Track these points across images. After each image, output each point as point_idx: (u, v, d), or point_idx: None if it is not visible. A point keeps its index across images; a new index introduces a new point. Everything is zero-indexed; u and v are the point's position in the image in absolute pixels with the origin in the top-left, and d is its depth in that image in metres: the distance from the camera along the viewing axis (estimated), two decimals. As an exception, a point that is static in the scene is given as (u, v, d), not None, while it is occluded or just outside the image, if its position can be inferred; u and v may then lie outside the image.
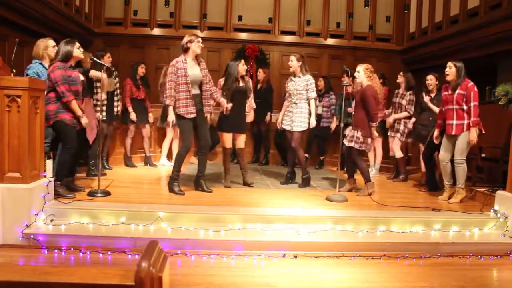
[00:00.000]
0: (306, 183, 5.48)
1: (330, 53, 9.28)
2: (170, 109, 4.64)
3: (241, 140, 5.35)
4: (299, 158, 5.43)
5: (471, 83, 4.63)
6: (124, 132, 6.63)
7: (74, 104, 4.19)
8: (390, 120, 6.19)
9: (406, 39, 9.20)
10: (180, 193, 4.72)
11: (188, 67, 4.63)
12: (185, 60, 4.65)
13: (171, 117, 4.65)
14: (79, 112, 4.24)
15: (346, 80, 5.01)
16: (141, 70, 6.44)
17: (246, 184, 5.39)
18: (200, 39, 4.72)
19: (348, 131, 5.07)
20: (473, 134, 4.57)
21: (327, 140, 7.20)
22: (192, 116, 4.67)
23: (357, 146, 4.96)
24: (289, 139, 5.45)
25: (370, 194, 4.94)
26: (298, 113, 5.28)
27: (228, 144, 5.32)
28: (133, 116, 6.29)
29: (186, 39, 4.70)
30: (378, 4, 9.29)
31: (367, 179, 5.06)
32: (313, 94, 5.30)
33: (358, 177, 5.30)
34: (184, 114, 4.64)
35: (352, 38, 9.27)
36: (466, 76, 4.69)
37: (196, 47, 4.67)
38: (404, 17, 9.22)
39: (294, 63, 5.30)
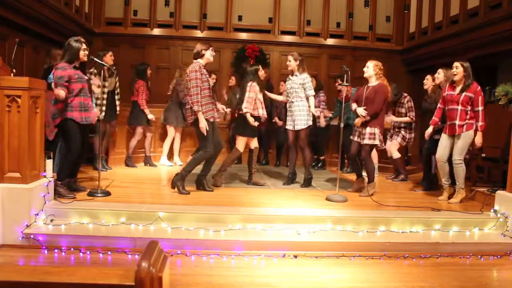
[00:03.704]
0: (308, 183, 5.50)
1: (330, 53, 9.28)
2: (201, 115, 4.63)
3: (255, 141, 5.51)
4: (306, 157, 5.45)
5: (479, 87, 4.63)
6: (127, 133, 6.66)
7: (57, 91, 4.07)
8: (387, 120, 6.11)
9: (406, 39, 9.20)
10: (185, 192, 4.73)
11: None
12: (203, 66, 4.73)
13: (204, 123, 4.64)
14: (60, 95, 4.07)
15: (342, 83, 5.02)
16: (149, 72, 6.53)
17: (256, 184, 5.46)
18: (212, 48, 4.80)
19: (362, 129, 5.00)
20: (480, 138, 4.61)
21: (325, 139, 7.20)
22: (213, 120, 4.80)
23: (379, 144, 4.97)
24: (290, 139, 5.45)
25: (371, 195, 4.94)
26: (297, 111, 5.29)
27: (243, 149, 5.42)
28: (151, 117, 6.42)
29: (200, 46, 4.76)
30: (378, 4, 9.29)
31: (371, 180, 5.07)
32: (312, 92, 5.31)
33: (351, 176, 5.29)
34: (209, 118, 4.73)
35: (352, 38, 9.27)
36: (473, 77, 4.66)
37: (210, 55, 4.77)
38: (404, 17, 9.23)
39: (292, 62, 5.33)
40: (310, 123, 5.34)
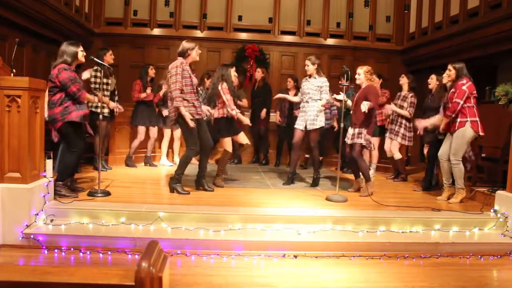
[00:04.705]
0: (316, 183, 5.57)
1: (330, 53, 9.27)
2: (183, 110, 4.57)
3: (244, 136, 5.46)
4: (315, 158, 5.51)
5: (462, 81, 4.62)
6: (130, 133, 6.66)
7: (88, 97, 4.36)
8: (387, 109, 6.09)
9: (406, 39, 9.20)
10: (185, 193, 4.73)
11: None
12: (186, 63, 4.69)
13: (189, 118, 4.58)
14: (92, 100, 4.61)
15: (344, 81, 5.05)
16: (151, 72, 6.50)
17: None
18: (198, 47, 4.76)
19: (351, 130, 5.10)
20: (438, 121, 4.71)
21: (326, 140, 7.20)
22: (199, 117, 4.74)
23: (364, 143, 5.01)
24: (296, 139, 5.43)
25: (371, 194, 4.95)
26: (311, 112, 5.31)
27: (230, 148, 5.37)
28: (148, 92, 6.40)
29: (187, 45, 4.71)
30: (378, 4, 9.29)
31: (367, 179, 5.08)
32: (326, 96, 5.34)
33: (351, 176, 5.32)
34: (194, 114, 4.66)
35: (352, 38, 9.27)
36: (467, 75, 4.67)
37: (196, 54, 4.74)
38: (404, 17, 9.22)
39: (310, 67, 5.36)
40: (323, 124, 5.36)
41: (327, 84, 5.36)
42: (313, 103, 5.31)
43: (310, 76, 5.39)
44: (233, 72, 5.36)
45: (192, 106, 4.67)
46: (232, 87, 5.28)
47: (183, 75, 4.61)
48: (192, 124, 4.60)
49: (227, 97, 5.15)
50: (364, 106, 4.77)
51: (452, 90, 4.68)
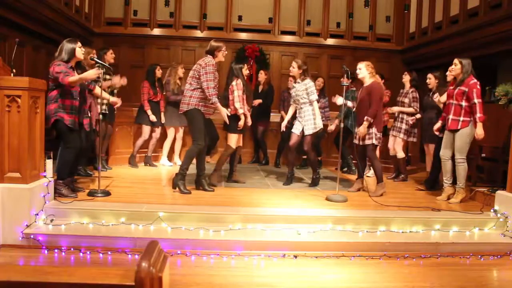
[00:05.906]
0: (316, 183, 5.58)
1: (330, 53, 9.27)
2: (220, 106, 4.83)
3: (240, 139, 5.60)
4: (311, 160, 5.55)
5: (474, 80, 4.60)
6: (128, 133, 6.66)
7: (72, 80, 4.01)
8: (394, 109, 6.08)
9: (406, 39, 9.20)
10: (186, 192, 4.74)
11: None
12: (215, 63, 4.85)
13: (225, 112, 4.93)
14: (76, 81, 4.08)
15: (345, 80, 5.05)
16: (158, 72, 6.50)
17: (236, 181, 5.61)
18: (225, 48, 4.95)
19: (357, 130, 5.09)
20: (480, 129, 4.55)
21: (322, 139, 7.18)
22: (209, 116, 4.97)
23: (376, 142, 5.02)
24: (292, 142, 5.42)
25: (381, 195, 4.94)
26: (307, 117, 5.31)
27: (235, 145, 5.43)
28: (152, 118, 6.38)
29: (215, 44, 4.86)
30: (378, 4, 9.29)
31: (380, 179, 5.07)
32: (314, 97, 5.31)
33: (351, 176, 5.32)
34: (205, 113, 4.84)
35: (352, 38, 9.26)
36: (473, 73, 4.67)
37: (222, 55, 4.90)
38: (404, 17, 9.22)
39: (295, 70, 5.37)
40: (321, 126, 5.34)
41: (312, 84, 5.33)
42: (307, 107, 5.30)
43: (295, 81, 5.45)
44: (244, 71, 5.44)
45: (207, 106, 4.84)
46: (245, 85, 5.38)
47: (215, 75, 4.79)
48: (226, 119, 4.95)
49: (238, 93, 5.22)
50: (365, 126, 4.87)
51: (461, 88, 4.59)
